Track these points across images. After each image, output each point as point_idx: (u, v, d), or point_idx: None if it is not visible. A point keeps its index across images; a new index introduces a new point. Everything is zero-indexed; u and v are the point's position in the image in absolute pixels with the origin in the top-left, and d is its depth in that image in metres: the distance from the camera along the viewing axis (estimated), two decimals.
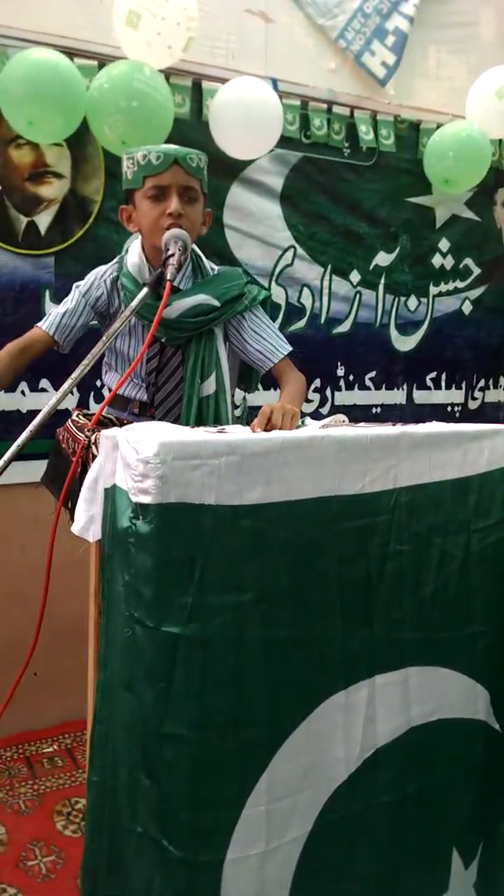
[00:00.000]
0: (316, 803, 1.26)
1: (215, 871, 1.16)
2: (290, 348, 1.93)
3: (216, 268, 1.93)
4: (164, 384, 1.87)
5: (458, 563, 1.38)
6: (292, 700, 1.23)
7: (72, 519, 1.35)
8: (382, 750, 1.32)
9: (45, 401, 2.39)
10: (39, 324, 1.91)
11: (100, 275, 1.91)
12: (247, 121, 2.47)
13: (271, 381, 2.71)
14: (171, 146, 1.78)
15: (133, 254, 1.87)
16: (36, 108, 2.15)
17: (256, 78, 2.55)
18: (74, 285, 1.94)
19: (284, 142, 2.65)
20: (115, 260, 1.94)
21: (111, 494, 1.22)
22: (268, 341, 1.90)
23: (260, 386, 2.65)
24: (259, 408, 1.55)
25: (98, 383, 2.39)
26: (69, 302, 1.91)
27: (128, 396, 1.88)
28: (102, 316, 1.93)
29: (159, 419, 1.83)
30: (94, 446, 1.35)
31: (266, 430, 1.47)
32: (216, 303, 1.83)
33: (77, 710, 2.40)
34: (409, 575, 1.33)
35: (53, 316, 1.90)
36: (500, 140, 3.13)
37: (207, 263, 1.92)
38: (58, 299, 2.39)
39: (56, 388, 2.43)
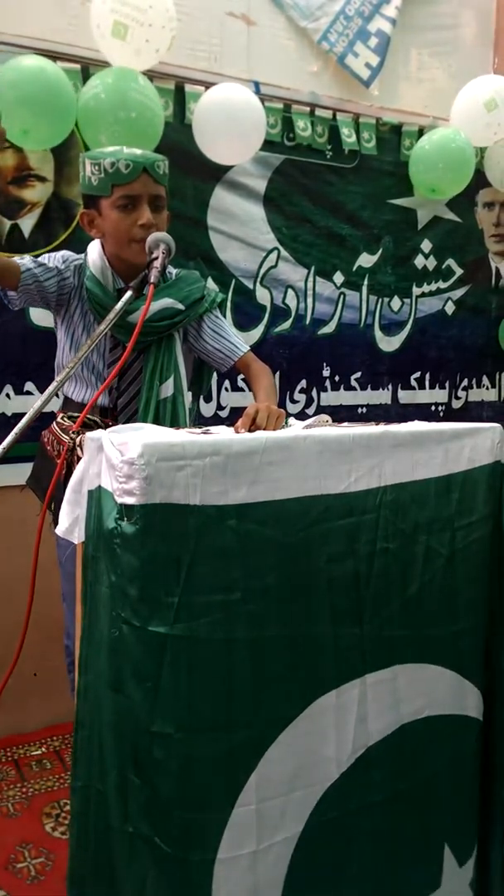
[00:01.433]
0: (308, 803, 1.27)
1: (206, 869, 1.17)
2: (248, 347, 1.97)
3: (174, 271, 1.94)
4: (126, 388, 1.87)
5: (444, 560, 1.39)
6: (282, 700, 1.23)
7: (55, 521, 1.35)
8: (374, 748, 1.33)
9: (30, 404, 2.39)
10: (17, 258, 1.81)
11: (71, 259, 1.87)
12: (230, 127, 2.48)
13: (234, 383, 2.74)
14: (136, 152, 1.75)
15: (94, 254, 1.85)
16: (30, 118, 2.14)
17: (239, 83, 2.57)
18: (46, 256, 1.86)
19: (267, 145, 2.66)
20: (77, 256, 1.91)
21: (96, 496, 1.23)
22: (228, 340, 1.94)
23: (229, 385, 2.67)
24: (242, 409, 1.56)
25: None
26: (46, 261, 1.83)
27: (88, 401, 1.83)
28: (59, 296, 1.85)
29: (122, 423, 1.82)
30: (78, 448, 1.35)
31: (250, 430, 1.48)
32: (181, 306, 1.84)
33: (65, 712, 2.41)
34: (396, 572, 1.34)
35: (29, 260, 1.81)
36: None
37: (168, 267, 1.93)
38: None
39: (41, 390, 2.43)
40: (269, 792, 1.22)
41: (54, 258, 1.86)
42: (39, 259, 1.84)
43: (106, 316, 1.62)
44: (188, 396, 2.07)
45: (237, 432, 1.45)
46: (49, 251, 2.41)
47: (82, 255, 1.89)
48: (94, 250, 1.86)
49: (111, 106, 2.22)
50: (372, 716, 1.33)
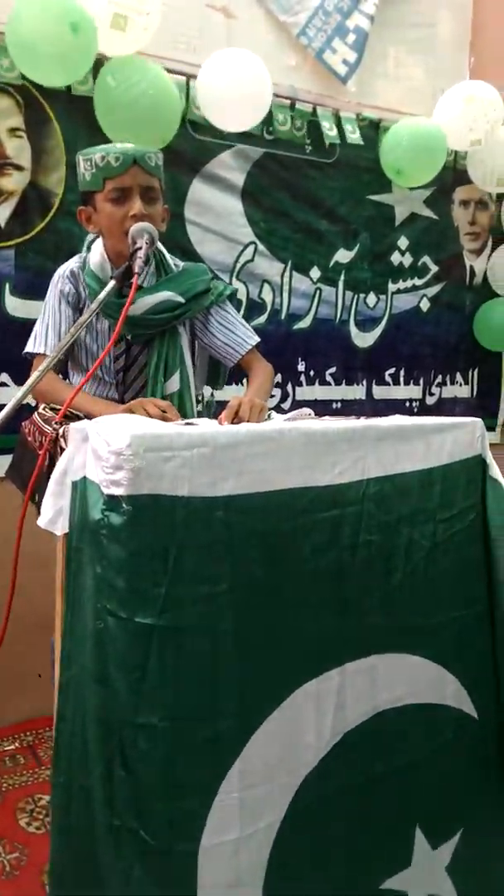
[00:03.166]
0: (289, 789, 1.27)
1: (191, 859, 1.17)
2: (258, 339, 1.95)
3: (181, 264, 1.93)
4: (132, 382, 1.86)
5: (426, 552, 1.40)
6: (265, 689, 1.24)
7: (39, 513, 1.34)
8: (350, 734, 1.34)
9: (5, 395, 2.37)
10: (36, 349, 1.81)
11: (62, 273, 1.87)
12: (236, 92, 2.49)
13: (239, 377, 2.73)
14: (128, 145, 1.76)
15: (95, 253, 1.84)
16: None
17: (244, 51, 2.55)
18: (49, 296, 1.86)
19: (246, 138, 2.66)
20: (75, 257, 1.90)
21: (80, 487, 1.22)
22: (235, 334, 1.92)
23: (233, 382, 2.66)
24: (222, 402, 1.56)
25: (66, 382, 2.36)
26: (48, 315, 1.84)
27: (97, 396, 1.85)
28: (81, 310, 1.86)
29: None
30: (62, 439, 1.34)
31: (234, 423, 1.48)
32: (180, 299, 1.83)
33: (39, 707, 2.39)
34: (378, 564, 1.35)
35: (44, 336, 1.81)
36: None
37: (171, 260, 1.92)
38: (18, 292, 2.38)
39: (17, 382, 2.40)
40: (252, 780, 1.22)
41: (53, 293, 1.85)
42: (45, 321, 1.82)
43: (109, 310, 1.61)
44: (205, 390, 2.06)
45: (220, 424, 1.45)
46: (26, 240, 2.41)
47: (76, 258, 1.88)
48: (96, 247, 1.85)
49: (160, 108, 2.31)
50: (350, 703, 1.34)
